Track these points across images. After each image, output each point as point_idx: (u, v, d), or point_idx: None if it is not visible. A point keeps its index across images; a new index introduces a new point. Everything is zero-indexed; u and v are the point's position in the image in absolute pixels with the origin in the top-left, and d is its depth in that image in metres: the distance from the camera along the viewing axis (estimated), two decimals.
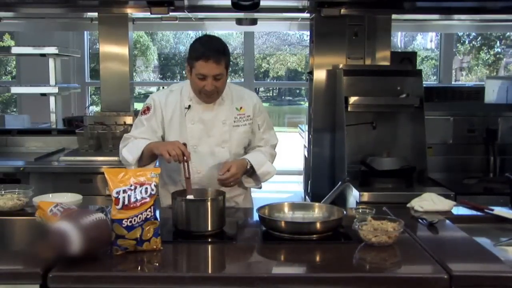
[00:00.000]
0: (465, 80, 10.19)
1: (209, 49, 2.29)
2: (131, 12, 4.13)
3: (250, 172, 2.48)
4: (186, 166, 2.18)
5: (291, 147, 6.15)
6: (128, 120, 4.18)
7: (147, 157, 2.35)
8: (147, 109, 2.49)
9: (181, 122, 2.46)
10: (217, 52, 2.29)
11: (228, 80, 2.45)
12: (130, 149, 2.39)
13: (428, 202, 2.37)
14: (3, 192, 2.34)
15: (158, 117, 2.47)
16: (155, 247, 1.80)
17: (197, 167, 2.43)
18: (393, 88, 3.51)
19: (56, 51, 4.32)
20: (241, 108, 2.51)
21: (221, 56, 2.30)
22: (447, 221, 2.19)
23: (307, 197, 4.40)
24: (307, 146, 4.53)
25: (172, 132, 2.46)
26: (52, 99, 4.66)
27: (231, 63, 2.41)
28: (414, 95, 3.48)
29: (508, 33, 9.05)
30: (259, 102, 2.60)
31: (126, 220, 1.75)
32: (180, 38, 11.92)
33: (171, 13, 3.92)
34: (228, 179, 2.34)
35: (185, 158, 2.20)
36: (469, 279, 1.62)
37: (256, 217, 2.08)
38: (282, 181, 6.80)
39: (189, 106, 2.45)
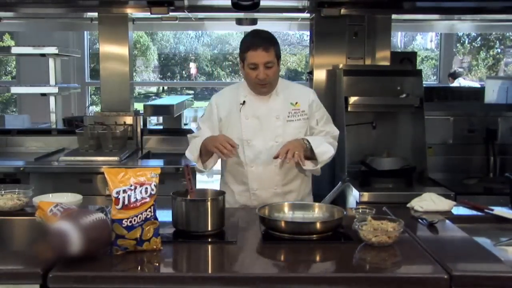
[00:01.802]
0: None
1: (257, 38, 2.42)
2: (131, 12, 4.13)
3: (309, 154, 2.49)
4: (189, 182, 2.19)
5: None
6: (128, 120, 4.18)
7: (205, 154, 2.49)
8: (205, 112, 2.65)
9: (236, 117, 2.55)
10: (266, 41, 2.40)
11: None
12: (191, 149, 2.56)
13: (428, 202, 2.37)
14: (3, 192, 2.34)
15: (214, 117, 2.59)
16: (155, 247, 1.80)
17: (251, 161, 2.51)
18: (393, 88, 3.51)
19: (56, 51, 4.32)
20: (296, 103, 2.55)
21: (269, 45, 2.39)
22: (447, 221, 2.19)
23: None
24: None
25: (228, 128, 2.56)
26: (52, 99, 4.66)
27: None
28: (414, 95, 3.48)
29: (508, 33, 9.05)
30: (316, 98, 2.63)
31: (126, 220, 1.75)
32: (180, 38, 11.92)
33: (171, 13, 3.93)
34: (284, 153, 2.34)
35: (189, 176, 2.22)
36: (469, 279, 1.62)
37: (256, 217, 2.08)
38: None
39: (244, 102, 2.54)
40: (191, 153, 2.55)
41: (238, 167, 2.55)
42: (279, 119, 2.52)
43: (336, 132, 2.67)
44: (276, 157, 2.39)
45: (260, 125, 2.52)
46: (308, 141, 2.47)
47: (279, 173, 2.53)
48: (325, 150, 2.50)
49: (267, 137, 2.51)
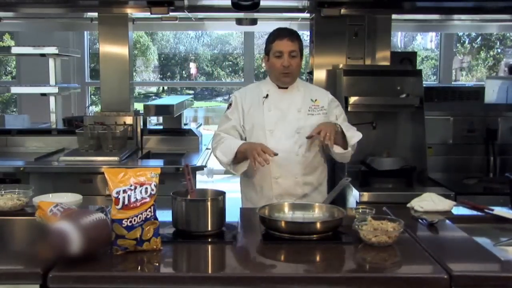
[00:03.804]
0: (465, 80, 10.18)
1: (283, 30, 2.64)
2: (131, 12, 4.13)
3: (339, 139, 2.57)
4: (189, 182, 2.20)
5: None
6: (128, 120, 4.18)
7: (241, 158, 2.56)
8: (230, 105, 2.76)
9: (259, 110, 2.68)
10: (291, 33, 2.63)
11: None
12: (224, 151, 2.60)
13: (428, 202, 2.37)
14: (3, 192, 2.34)
15: (239, 109, 2.71)
16: (155, 247, 1.81)
17: (273, 149, 2.55)
18: (393, 88, 3.51)
19: (56, 51, 4.32)
20: (316, 100, 2.70)
21: (294, 37, 2.60)
22: (447, 221, 2.19)
23: None
24: None
25: (251, 119, 2.69)
26: (52, 99, 4.67)
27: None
28: (414, 95, 3.48)
29: (508, 34, 9.05)
30: (334, 98, 2.78)
31: (126, 220, 1.75)
32: (180, 38, 11.91)
33: (171, 13, 3.92)
34: (316, 132, 2.47)
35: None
36: (469, 279, 1.62)
37: (256, 217, 2.08)
38: None
39: (267, 95, 2.68)
40: (225, 156, 2.58)
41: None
42: (300, 112, 2.66)
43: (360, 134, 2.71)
44: (309, 137, 2.53)
45: (282, 116, 2.65)
46: (339, 125, 2.58)
47: (300, 162, 2.63)
48: (354, 134, 2.62)
49: (288, 128, 2.65)
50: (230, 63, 11.44)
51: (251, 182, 2.70)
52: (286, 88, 2.69)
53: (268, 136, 2.63)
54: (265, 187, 2.66)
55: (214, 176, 6.98)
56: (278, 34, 2.61)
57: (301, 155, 2.62)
